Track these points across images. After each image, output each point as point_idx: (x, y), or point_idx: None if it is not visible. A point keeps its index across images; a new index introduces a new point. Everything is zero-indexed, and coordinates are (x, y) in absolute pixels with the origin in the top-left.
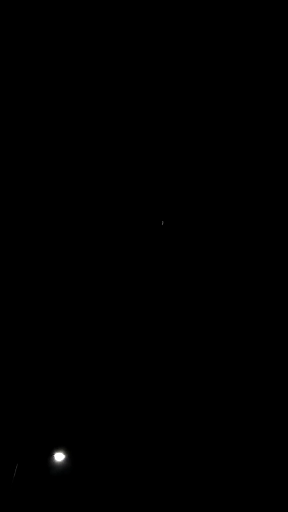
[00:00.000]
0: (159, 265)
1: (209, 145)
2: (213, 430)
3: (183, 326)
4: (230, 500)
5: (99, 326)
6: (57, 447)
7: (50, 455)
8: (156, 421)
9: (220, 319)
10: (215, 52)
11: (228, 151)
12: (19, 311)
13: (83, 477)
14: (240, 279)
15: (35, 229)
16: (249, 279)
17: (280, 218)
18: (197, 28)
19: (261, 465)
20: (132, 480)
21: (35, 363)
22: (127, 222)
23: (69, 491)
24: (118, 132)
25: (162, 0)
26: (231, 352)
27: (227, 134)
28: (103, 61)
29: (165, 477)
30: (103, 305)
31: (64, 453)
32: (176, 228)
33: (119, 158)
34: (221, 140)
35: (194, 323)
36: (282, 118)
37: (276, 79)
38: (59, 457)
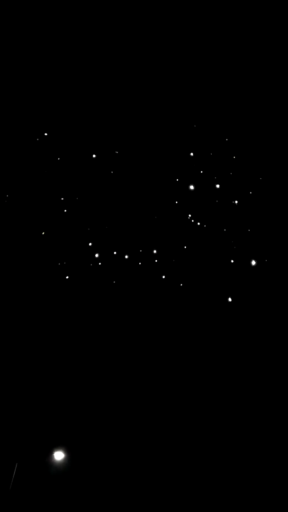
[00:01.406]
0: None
1: (210, 146)
2: (213, 429)
3: (183, 324)
4: (230, 500)
5: (99, 324)
6: (56, 446)
7: (50, 454)
8: (156, 419)
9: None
10: (215, 52)
11: (229, 152)
12: (19, 309)
13: (83, 476)
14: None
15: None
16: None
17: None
18: (197, 28)
19: (261, 465)
20: (132, 479)
21: (35, 361)
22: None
23: (69, 490)
24: (118, 132)
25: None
26: (231, 352)
27: (227, 135)
28: (103, 61)
29: (165, 476)
30: (103, 304)
31: (64, 452)
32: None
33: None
34: (222, 141)
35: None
36: (282, 118)
37: (276, 79)
38: (58, 456)
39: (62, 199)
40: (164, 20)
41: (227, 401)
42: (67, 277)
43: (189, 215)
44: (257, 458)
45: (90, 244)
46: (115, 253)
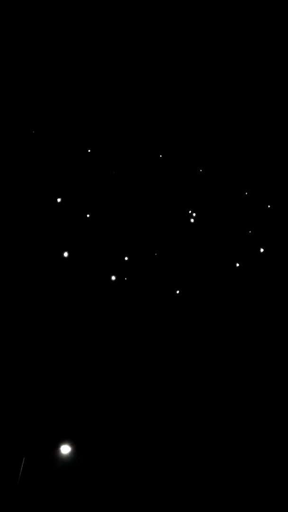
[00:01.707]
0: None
1: (209, 145)
2: (215, 420)
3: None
4: (230, 498)
5: (102, 320)
6: (62, 440)
7: (56, 448)
8: (161, 414)
9: (221, 318)
10: (215, 53)
11: (228, 152)
12: (22, 307)
13: (89, 469)
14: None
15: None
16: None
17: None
18: (197, 28)
19: (261, 465)
20: (138, 472)
21: (40, 355)
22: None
23: (75, 483)
24: (118, 132)
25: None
26: (231, 351)
27: (227, 135)
28: (103, 61)
29: (170, 470)
30: (107, 299)
31: (70, 446)
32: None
33: (119, 158)
34: (222, 141)
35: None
36: (282, 119)
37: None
38: (65, 449)
39: (59, 200)
40: (164, 19)
41: (227, 399)
42: (67, 276)
43: (191, 215)
44: (257, 457)
45: (89, 244)
46: (113, 254)
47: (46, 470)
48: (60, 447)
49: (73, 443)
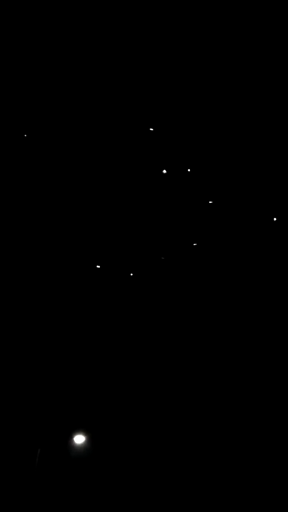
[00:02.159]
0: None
1: (209, 145)
2: (215, 415)
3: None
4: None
5: (115, 310)
6: (76, 430)
7: (70, 438)
8: (173, 403)
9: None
10: (215, 53)
11: (228, 152)
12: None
13: (103, 459)
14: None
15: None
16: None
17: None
18: (197, 28)
19: (261, 465)
20: (151, 461)
21: (54, 347)
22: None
23: (89, 473)
24: (118, 132)
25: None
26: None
27: (227, 135)
28: (103, 61)
29: (185, 459)
30: (117, 294)
31: (84, 435)
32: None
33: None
34: (222, 141)
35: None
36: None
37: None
38: (79, 439)
39: (58, 200)
40: (164, 19)
41: (227, 396)
42: (67, 279)
43: (190, 218)
44: (257, 457)
45: (89, 246)
46: (114, 256)
47: (61, 459)
48: (73, 437)
49: (86, 433)
